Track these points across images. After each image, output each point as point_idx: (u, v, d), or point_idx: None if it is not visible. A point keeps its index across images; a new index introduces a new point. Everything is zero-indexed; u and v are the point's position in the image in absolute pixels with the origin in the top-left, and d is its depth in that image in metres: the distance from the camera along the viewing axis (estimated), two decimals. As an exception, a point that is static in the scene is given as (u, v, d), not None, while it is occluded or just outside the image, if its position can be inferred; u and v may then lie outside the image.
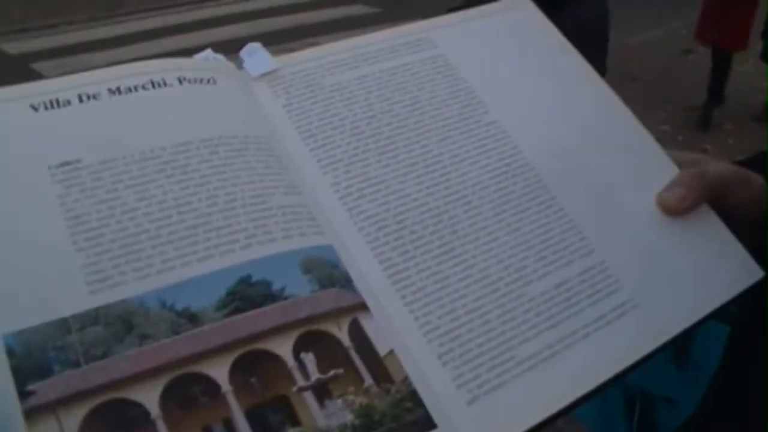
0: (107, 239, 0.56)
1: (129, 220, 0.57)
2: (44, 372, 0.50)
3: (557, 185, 0.71)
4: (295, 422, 0.51)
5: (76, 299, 0.53)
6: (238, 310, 0.54)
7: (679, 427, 0.95)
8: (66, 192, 0.57)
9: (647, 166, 0.77)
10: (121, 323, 0.53)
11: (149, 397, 0.51)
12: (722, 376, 0.81)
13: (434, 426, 0.54)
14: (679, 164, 0.76)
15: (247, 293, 0.55)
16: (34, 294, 0.53)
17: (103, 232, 0.56)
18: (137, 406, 0.50)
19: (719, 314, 0.70)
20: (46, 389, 0.50)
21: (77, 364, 0.50)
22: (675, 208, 0.72)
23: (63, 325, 0.51)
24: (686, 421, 0.89)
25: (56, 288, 0.53)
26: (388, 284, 0.60)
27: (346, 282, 0.58)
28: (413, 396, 0.55)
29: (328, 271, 0.58)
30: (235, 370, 0.53)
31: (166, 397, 0.51)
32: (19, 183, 0.57)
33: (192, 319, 0.53)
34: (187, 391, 0.51)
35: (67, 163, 0.58)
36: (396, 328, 0.58)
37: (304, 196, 0.62)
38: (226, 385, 0.52)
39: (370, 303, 0.58)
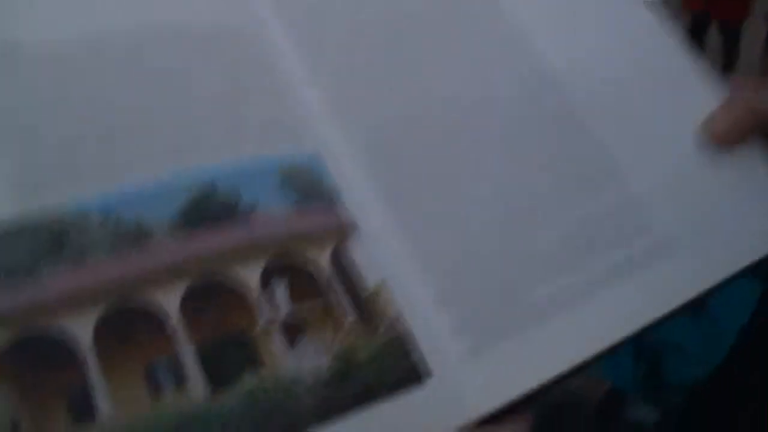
0: (42, 142, 0.43)
1: (71, 122, 0.45)
2: (-46, 293, 0.39)
3: (586, 104, 0.58)
4: (257, 364, 0.40)
5: (1, 207, 0.41)
6: (196, 227, 0.42)
7: (698, 382, 0.83)
8: None
9: (692, 91, 0.62)
10: (51, 236, 0.41)
11: (81, 328, 0.39)
12: (751, 335, 0.69)
13: (428, 375, 0.42)
14: (733, 89, 0.62)
15: (209, 206, 0.43)
16: None
17: (39, 132, 0.44)
18: (66, 336, 0.39)
19: (754, 269, 0.57)
20: (-50, 314, 0.38)
21: None
22: (720, 138, 0.58)
23: None
24: (707, 377, 0.77)
25: None
26: (383, 204, 0.48)
27: (333, 197, 0.46)
28: (406, 339, 0.43)
29: (311, 184, 0.46)
30: (188, 300, 0.41)
31: (101, 329, 0.40)
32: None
33: (140, 234, 0.42)
34: (128, 323, 0.40)
35: (2, 44, 0.46)
36: (389, 257, 0.46)
37: (288, 99, 0.50)
38: (175, 317, 0.41)
39: (361, 225, 0.45)
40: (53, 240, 0.42)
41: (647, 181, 0.57)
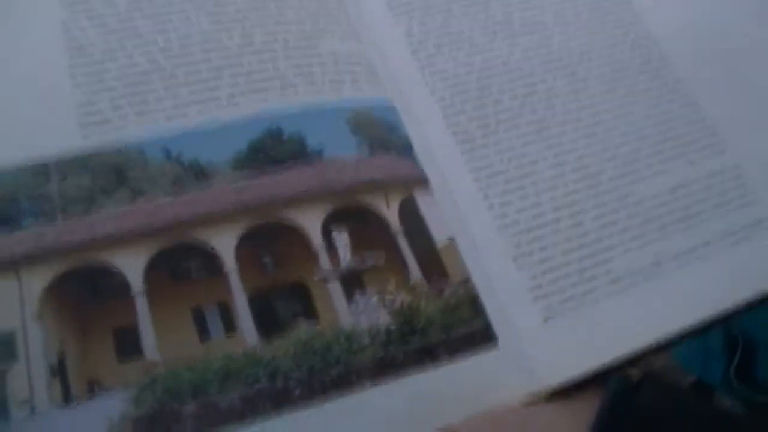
0: (111, 75, 0.41)
1: (141, 55, 0.42)
2: (11, 224, 0.36)
3: (686, 65, 0.51)
4: (312, 317, 0.36)
5: (63, 141, 0.39)
6: (259, 170, 0.39)
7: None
8: (71, 17, 0.42)
9: None
10: (113, 174, 0.38)
11: (133, 265, 0.36)
12: None
13: (494, 342, 0.37)
14: None
15: (274, 149, 0.39)
16: (14, 129, 0.39)
17: (109, 66, 0.41)
18: (117, 273, 0.36)
19: None
20: (10, 244, 0.35)
21: (52, 219, 0.36)
22: None
23: (42, 170, 0.37)
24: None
25: (42, 125, 0.39)
26: (459, 160, 0.43)
27: (405, 149, 0.41)
28: (473, 302, 0.38)
29: (383, 133, 0.42)
30: (245, 244, 0.37)
31: (153, 268, 0.36)
32: (20, 3, 0.43)
33: (200, 174, 0.38)
34: (181, 263, 0.37)
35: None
36: (462, 213, 0.41)
37: (366, 45, 0.45)
38: (230, 261, 0.37)
39: (433, 178, 0.41)
40: (113, 175, 0.39)
41: (750, 154, 0.50)
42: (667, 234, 0.45)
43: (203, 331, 0.36)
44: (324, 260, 0.39)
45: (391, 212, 0.40)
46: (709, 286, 0.44)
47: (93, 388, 0.35)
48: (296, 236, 0.38)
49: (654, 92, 0.51)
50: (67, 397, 0.34)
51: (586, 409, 0.40)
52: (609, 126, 0.48)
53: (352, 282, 0.38)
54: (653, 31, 0.53)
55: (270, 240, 0.38)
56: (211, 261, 0.37)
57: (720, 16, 0.56)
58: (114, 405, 0.34)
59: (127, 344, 0.36)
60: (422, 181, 0.42)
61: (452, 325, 0.38)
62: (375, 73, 0.46)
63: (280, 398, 0.35)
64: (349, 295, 0.38)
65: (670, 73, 0.52)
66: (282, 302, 0.37)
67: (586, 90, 0.49)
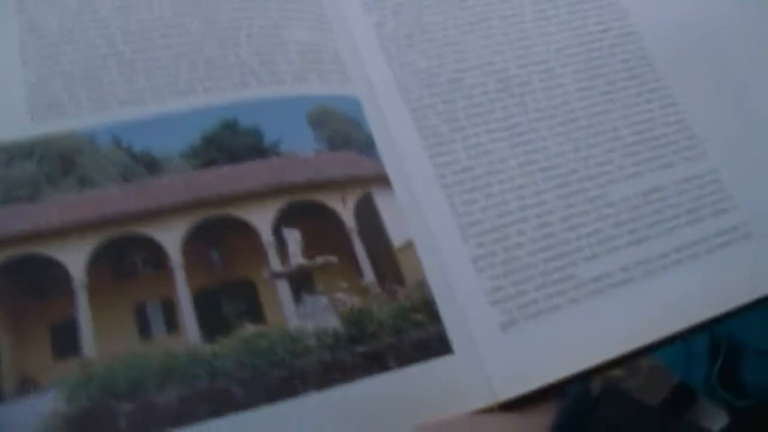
0: (66, 58, 0.39)
1: (99, 38, 0.40)
2: (-48, 208, 0.34)
3: (668, 65, 0.49)
4: (257, 317, 0.34)
5: (11, 125, 0.36)
6: (211, 162, 0.37)
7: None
8: None
9: None
10: (60, 161, 0.36)
11: (75, 257, 0.35)
12: None
13: (449, 350, 0.35)
14: None
15: (228, 142, 0.37)
16: None
17: (64, 49, 0.39)
18: (58, 266, 0.34)
19: None
20: (-51, 230, 0.34)
21: None
22: None
23: None
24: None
25: None
26: (424, 155, 0.41)
27: (366, 146, 0.39)
28: (428, 306, 0.36)
29: (345, 128, 0.40)
30: (192, 239, 0.36)
31: (96, 261, 0.35)
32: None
33: (150, 165, 0.36)
34: (125, 257, 0.35)
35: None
36: (423, 214, 0.39)
37: (334, 35, 0.43)
38: (176, 256, 0.35)
39: (393, 176, 0.39)
40: (60, 162, 0.37)
41: (730, 160, 0.48)
42: (638, 239, 0.43)
43: (144, 328, 0.35)
44: (273, 258, 0.37)
45: (347, 211, 0.38)
46: (680, 296, 0.42)
47: (25, 385, 0.33)
48: (246, 232, 0.37)
49: (632, 91, 0.48)
50: (-3, 394, 0.32)
51: (541, 420, 0.38)
52: (583, 125, 0.46)
53: (302, 282, 0.37)
54: (637, 28, 0.51)
55: (218, 235, 0.36)
56: (156, 255, 0.35)
57: (707, 16, 0.53)
58: (46, 403, 0.33)
59: (64, 340, 0.34)
60: (382, 179, 0.40)
61: (405, 330, 0.36)
62: (342, 65, 0.44)
63: (220, 400, 0.34)
64: (298, 295, 0.36)
65: (651, 72, 0.49)
66: (228, 300, 0.35)
67: (560, 87, 0.47)
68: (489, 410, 0.38)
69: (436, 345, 0.37)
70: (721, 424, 0.94)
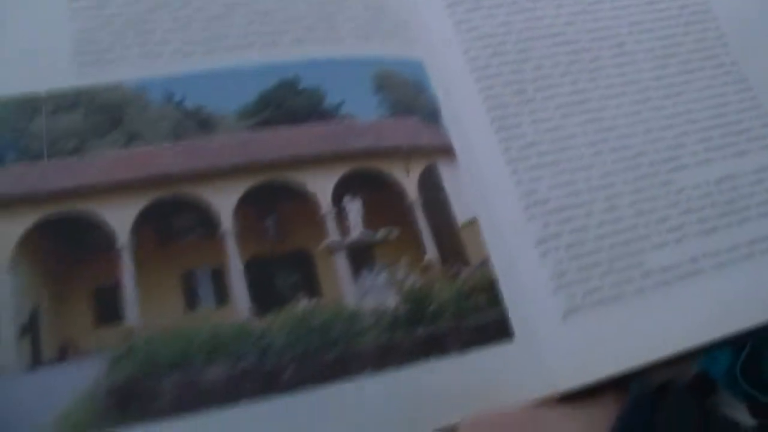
0: (115, 4, 0.35)
1: (149, -17, 0.36)
2: (-9, 158, 0.31)
3: (744, 48, 0.45)
4: (313, 291, 0.31)
5: (56, 73, 0.33)
6: (269, 123, 0.34)
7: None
8: None
9: None
10: (107, 113, 0.33)
11: (121, 218, 0.31)
12: None
13: (509, 336, 0.32)
14: None
15: (287, 101, 0.34)
16: (2, 58, 0.33)
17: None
18: (103, 226, 0.31)
19: None
20: (-12, 182, 0.31)
21: (38, 157, 0.31)
22: None
23: (31, 103, 0.32)
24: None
25: (34, 56, 0.34)
26: (489, 129, 0.38)
27: (431, 113, 0.36)
28: (491, 288, 0.33)
29: (409, 94, 0.36)
30: (246, 204, 0.32)
31: (143, 223, 0.31)
32: None
33: (203, 123, 0.33)
34: (174, 220, 0.32)
35: None
36: (488, 189, 0.36)
37: (399, -5, 0.39)
38: (228, 222, 0.32)
39: (458, 147, 0.35)
40: (108, 115, 0.34)
41: None
42: (708, 229, 0.40)
43: (192, 298, 0.32)
44: (332, 229, 0.34)
45: (410, 182, 0.35)
46: (751, 291, 0.39)
47: (66, 351, 0.30)
48: (303, 200, 0.33)
49: (707, 73, 0.45)
50: (36, 359, 0.30)
51: (602, 414, 0.35)
52: (655, 105, 0.43)
53: (362, 256, 0.34)
54: (713, 6, 0.47)
55: (274, 202, 0.33)
56: (207, 220, 0.32)
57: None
58: (88, 371, 0.30)
59: (108, 306, 0.31)
60: (447, 151, 0.37)
61: (465, 313, 0.34)
62: (406, 27, 0.40)
63: (269, 379, 0.31)
64: (357, 270, 0.33)
65: (727, 54, 0.46)
66: (282, 272, 0.32)
67: (633, 64, 0.44)
68: (548, 401, 0.35)
69: (496, 330, 0.34)
70: (741, 418, 0.91)
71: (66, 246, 0.31)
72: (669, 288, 0.38)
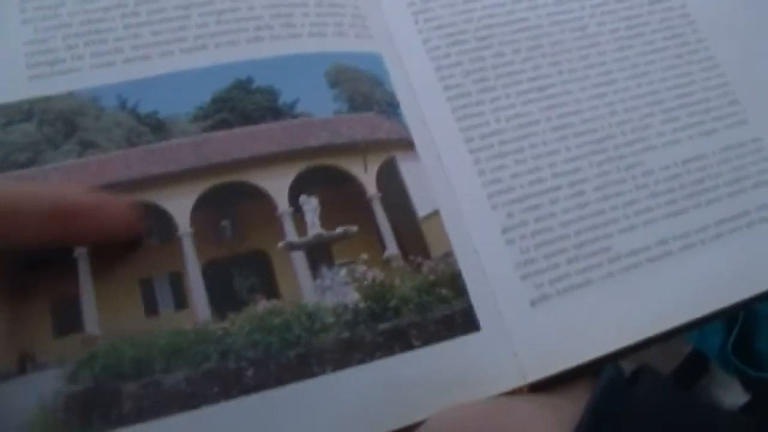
0: (66, 10, 0.35)
1: (100, -13, 0.35)
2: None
3: (710, 24, 0.44)
4: (271, 292, 0.31)
5: (8, 84, 0.33)
6: (223, 125, 0.33)
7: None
8: None
9: None
10: (61, 123, 0.33)
11: (77, 226, 0.31)
12: None
13: (476, 326, 0.32)
14: None
15: (241, 102, 0.34)
16: None
17: (64, 0, 0.35)
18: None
19: None
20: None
21: None
22: None
23: None
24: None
25: None
26: (450, 119, 0.37)
27: (389, 106, 0.35)
28: (455, 280, 0.33)
29: (366, 87, 0.36)
30: (202, 207, 0.32)
31: None
32: None
33: (157, 128, 0.33)
34: (130, 227, 0.31)
35: None
36: (449, 180, 0.35)
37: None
38: (184, 225, 0.32)
39: (418, 140, 0.35)
40: (62, 124, 0.33)
41: None
42: (676, 211, 0.39)
43: (151, 304, 0.31)
44: (289, 227, 0.33)
45: (368, 177, 0.35)
46: (721, 272, 0.38)
47: (24, 363, 0.30)
48: (260, 200, 0.33)
49: (672, 52, 0.44)
50: (-6, 373, 0.30)
51: (574, 402, 0.34)
52: (619, 87, 0.42)
53: (320, 254, 0.33)
54: None
55: (230, 203, 0.33)
56: (163, 225, 0.32)
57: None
58: (47, 382, 0.30)
59: (66, 315, 0.31)
60: (406, 144, 0.36)
61: (429, 306, 0.33)
62: (362, 19, 0.39)
63: (231, 380, 0.30)
64: (315, 268, 0.33)
65: (693, 32, 0.45)
66: (240, 274, 0.31)
67: (596, 46, 0.43)
68: (518, 392, 0.35)
69: (462, 322, 0.34)
70: (734, 394, 0.91)
71: (21, 258, 0.31)
72: (638, 272, 0.38)
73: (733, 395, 0.87)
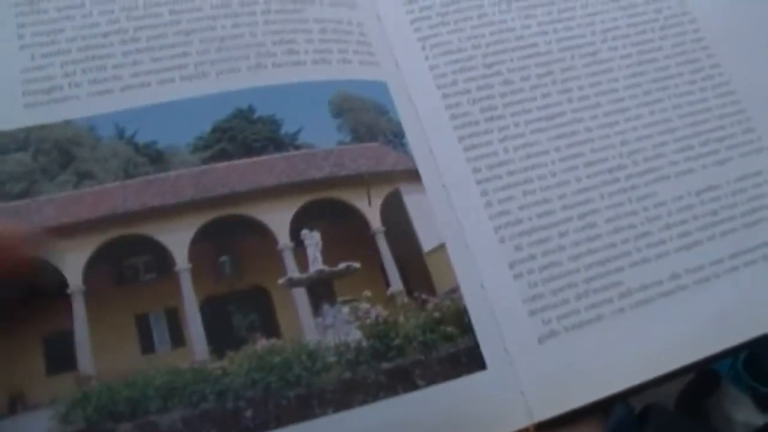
0: (65, 36, 0.35)
1: (100, 15, 0.35)
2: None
3: (725, 49, 0.44)
4: (271, 330, 0.30)
5: (4, 112, 0.32)
6: (224, 155, 0.32)
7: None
8: None
9: None
10: (57, 153, 0.32)
11: (72, 261, 0.31)
12: None
13: (482, 365, 0.31)
14: None
15: (242, 132, 0.33)
16: None
17: (63, 26, 0.35)
18: (53, 271, 0.30)
19: None
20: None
21: None
22: None
23: None
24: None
25: None
26: (457, 149, 0.37)
27: (394, 136, 0.35)
28: (460, 317, 0.32)
29: (371, 117, 0.35)
30: (200, 241, 0.31)
31: (95, 265, 0.30)
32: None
33: (156, 159, 0.32)
34: (126, 261, 0.31)
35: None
36: (456, 213, 0.35)
37: (360, 12, 0.38)
38: (182, 260, 0.31)
39: (423, 171, 0.34)
40: (58, 153, 0.33)
41: None
42: (690, 243, 0.39)
43: (147, 342, 0.31)
44: (290, 263, 0.33)
45: (372, 210, 0.34)
46: (737, 306, 0.37)
47: (16, 404, 0.29)
48: (260, 235, 0.33)
49: (686, 78, 0.44)
50: (-17, 414, 0.29)
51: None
52: (632, 115, 0.41)
53: (322, 290, 0.32)
54: (691, 8, 0.46)
55: (229, 238, 0.32)
56: (160, 259, 0.31)
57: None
58: (40, 423, 0.29)
59: (59, 354, 0.30)
60: (411, 175, 0.36)
61: (434, 344, 0.32)
62: (368, 45, 0.39)
63: (228, 421, 0.30)
64: (317, 305, 0.32)
65: (708, 57, 0.44)
66: (239, 311, 0.31)
67: (607, 72, 0.42)
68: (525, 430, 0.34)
69: (468, 360, 0.33)
70: (746, 411, 0.90)
71: (14, 293, 0.31)
72: (650, 307, 0.37)
73: (745, 412, 0.86)
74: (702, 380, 0.98)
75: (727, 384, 0.94)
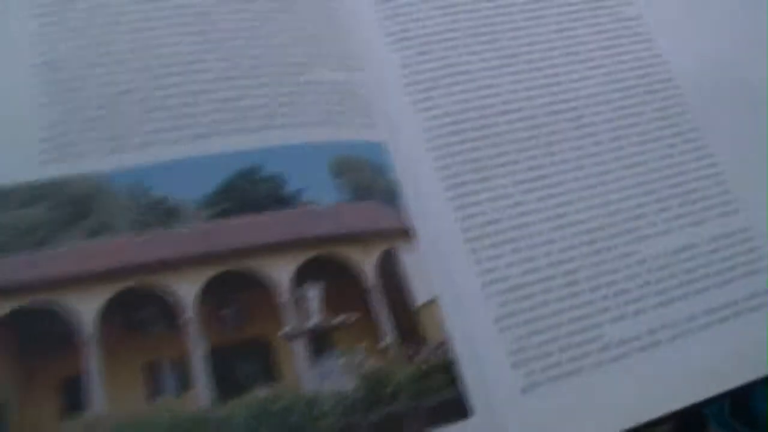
0: (83, 95, 0.37)
1: (116, 73, 0.38)
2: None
3: (704, 114, 0.47)
4: (272, 378, 0.32)
5: (22, 166, 0.35)
6: (229, 212, 0.35)
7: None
8: (44, 30, 0.39)
9: None
10: (73, 206, 0.35)
11: (86, 309, 0.33)
12: None
13: (467, 414, 0.34)
14: None
15: (247, 191, 0.36)
16: None
17: (81, 84, 0.37)
18: (68, 318, 0.32)
19: None
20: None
21: (2, 250, 0.33)
22: None
23: None
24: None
25: (1, 149, 0.35)
26: (448, 208, 0.39)
27: (390, 195, 0.38)
28: (448, 368, 0.35)
29: (368, 177, 0.38)
30: (207, 294, 0.34)
31: (108, 314, 0.33)
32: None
33: (167, 214, 0.35)
34: (138, 311, 0.33)
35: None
36: (448, 268, 0.37)
37: (357, 76, 0.41)
38: (189, 311, 0.33)
39: (418, 228, 0.37)
40: (73, 207, 0.35)
41: (762, 216, 0.46)
42: (666, 300, 0.42)
43: (154, 388, 0.33)
44: (291, 316, 0.35)
45: (368, 266, 0.37)
46: (709, 361, 0.40)
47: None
48: (263, 288, 0.35)
49: (667, 141, 0.47)
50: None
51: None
52: (614, 177, 0.44)
53: (320, 341, 0.35)
54: (673, 74, 0.49)
55: (234, 291, 0.35)
56: (169, 310, 0.34)
57: (743, 58, 0.51)
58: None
59: (73, 397, 0.32)
60: (407, 233, 0.39)
61: (423, 394, 0.35)
62: (367, 108, 0.42)
63: (230, 466, 0.32)
64: (316, 355, 0.35)
65: (687, 122, 0.48)
66: (241, 360, 0.33)
67: (591, 136, 0.45)
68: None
69: (455, 409, 0.36)
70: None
71: (33, 339, 0.33)
72: (627, 360, 0.40)
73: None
74: (687, 423, 1.00)
75: (712, 428, 0.96)
